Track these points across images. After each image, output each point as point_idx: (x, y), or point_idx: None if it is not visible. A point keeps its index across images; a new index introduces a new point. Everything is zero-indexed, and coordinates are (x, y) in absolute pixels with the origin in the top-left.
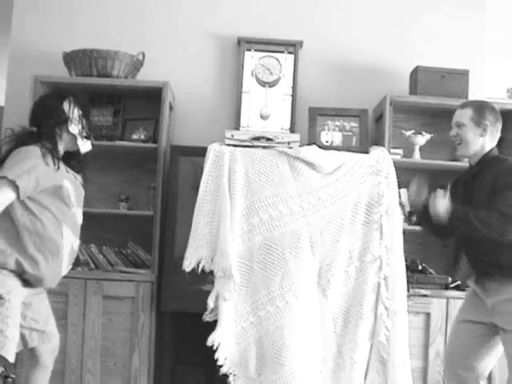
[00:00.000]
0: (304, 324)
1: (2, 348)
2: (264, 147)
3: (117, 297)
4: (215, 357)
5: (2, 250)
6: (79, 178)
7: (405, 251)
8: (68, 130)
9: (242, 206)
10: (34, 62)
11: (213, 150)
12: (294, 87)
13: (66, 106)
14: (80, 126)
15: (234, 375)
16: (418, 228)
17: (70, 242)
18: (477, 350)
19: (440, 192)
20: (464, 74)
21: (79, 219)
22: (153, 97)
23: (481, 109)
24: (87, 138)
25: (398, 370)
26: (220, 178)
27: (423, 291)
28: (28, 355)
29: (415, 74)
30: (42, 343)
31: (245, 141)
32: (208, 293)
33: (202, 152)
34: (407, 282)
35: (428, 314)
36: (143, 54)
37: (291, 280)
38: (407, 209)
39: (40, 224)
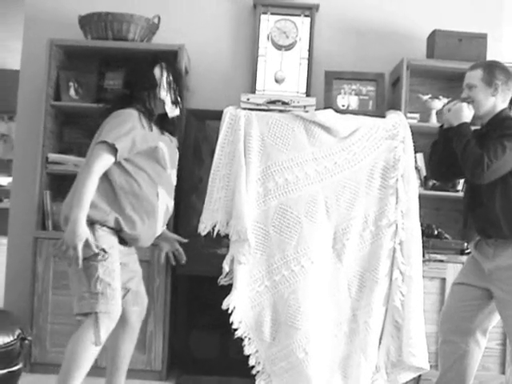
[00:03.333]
0: (319, 288)
1: (112, 300)
2: (280, 111)
3: None
4: (230, 320)
5: (102, 208)
6: (175, 140)
7: (420, 216)
8: (157, 95)
9: (258, 169)
10: (50, 25)
11: (228, 113)
12: (310, 51)
13: (157, 71)
14: (169, 92)
15: (249, 339)
16: (434, 193)
17: (165, 203)
18: (472, 312)
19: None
20: (482, 38)
21: (174, 180)
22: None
23: (491, 68)
24: (175, 104)
25: (412, 335)
26: (235, 141)
27: (439, 256)
28: None
29: (433, 37)
30: (132, 304)
31: (260, 104)
32: (223, 256)
33: (217, 116)
34: (423, 246)
35: (443, 279)
36: (159, 18)
37: (306, 244)
38: (423, 173)
39: (136, 185)
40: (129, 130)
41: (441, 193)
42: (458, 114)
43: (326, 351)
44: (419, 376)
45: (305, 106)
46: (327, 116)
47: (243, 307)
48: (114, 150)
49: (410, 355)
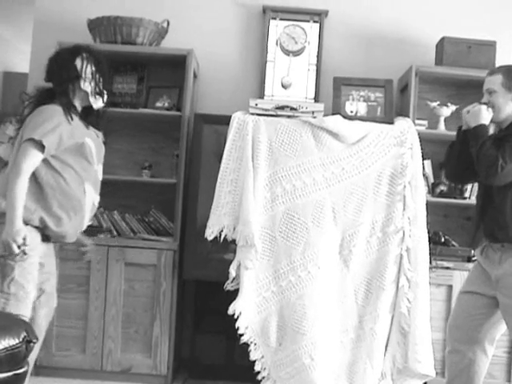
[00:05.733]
0: (325, 294)
1: (24, 302)
2: (288, 116)
3: (139, 264)
4: (236, 326)
5: (27, 206)
6: (101, 135)
7: (428, 223)
8: (80, 87)
9: (265, 175)
10: (59, 29)
11: (236, 118)
12: (318, 56)
13: (78, 62)
14: (93, 83)
15: (255, 344)
16: (441, 200)
17: (91, 199)
18: (480, 321)
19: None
20: (491, 45)
21: (100, 176)
22: (177, 65)
23: (511, 73)
24: (100, 94)
25: (418, 342)
26: (243, 146)
27: (445, 263)
28: None
29: (441, 44)
30: (42, 306)
31: (269, 110)
32: (230, 261)
33: (225, 120)
34: (430, 253)
35: (450, 287)
36: (168, 22)
37: (313, 250)
38: (431, 180)
39: (63, 181)
40: (55, 125)
41: (448, 200)
42: (477, 116)
43: (331, 357)
44: (425, 383)
45: (313, 112)
46: (335, 122)
47: (249, 312)
48: (41, 146)
49: (415, 362)
